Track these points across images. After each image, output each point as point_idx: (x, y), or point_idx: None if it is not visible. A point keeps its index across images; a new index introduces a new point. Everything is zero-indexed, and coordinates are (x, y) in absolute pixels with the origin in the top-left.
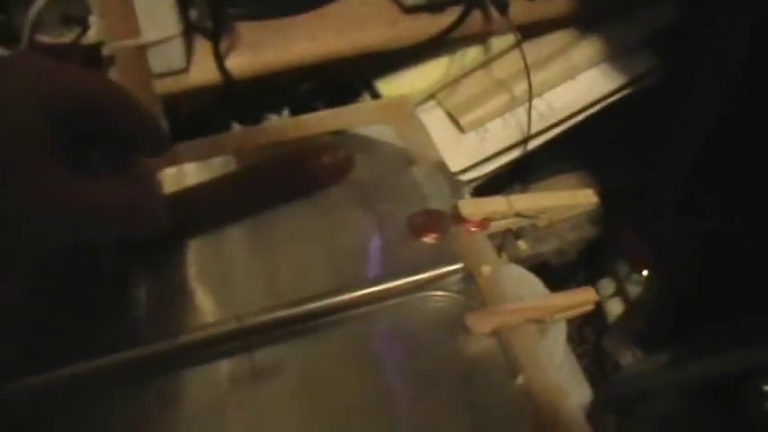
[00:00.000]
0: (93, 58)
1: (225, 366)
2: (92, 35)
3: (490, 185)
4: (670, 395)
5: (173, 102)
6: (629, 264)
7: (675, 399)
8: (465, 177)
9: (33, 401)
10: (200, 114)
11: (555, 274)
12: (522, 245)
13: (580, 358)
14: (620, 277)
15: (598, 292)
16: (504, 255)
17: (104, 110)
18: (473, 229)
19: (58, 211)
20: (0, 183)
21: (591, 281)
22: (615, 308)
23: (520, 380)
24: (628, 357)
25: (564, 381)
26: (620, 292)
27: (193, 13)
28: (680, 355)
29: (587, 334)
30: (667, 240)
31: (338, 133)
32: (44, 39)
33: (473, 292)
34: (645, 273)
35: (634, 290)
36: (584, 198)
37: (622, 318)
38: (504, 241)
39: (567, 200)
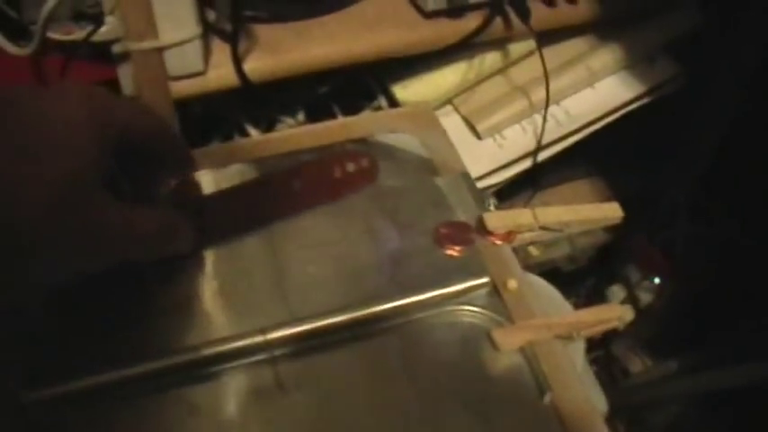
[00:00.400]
0: (103, 55)
1: (248, 379)
2: (103, 32)
3: (504, 191)
4: (680, 403)
5: (184, 103)
6: (640, 270)
7: (685, 407)
8: (481, 184)
9: (55, 410)
10: (213, 116)
11: (565, 281)
12: (534, 251)
13: (590, 365)
14: (631, 284)
15: (608, 299)
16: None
17: (145, 138)
18: (498, 242)
19: (107, 239)
20: (65, 212)
21: (601, 287)
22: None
23: (548, 398)
24: (637, 364)
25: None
26: (630, 298)
27: (212, 15)
28: (691, 363)
29: (597, 340)
30: (680, 247)
31: (360, 141)
32: (54, 35)
33: (499, 306)
34: (657, 280)
35: (645, 296)
36: (611, 212)
37: (632, 324)
38: (516, 247)
39: (593, 213)
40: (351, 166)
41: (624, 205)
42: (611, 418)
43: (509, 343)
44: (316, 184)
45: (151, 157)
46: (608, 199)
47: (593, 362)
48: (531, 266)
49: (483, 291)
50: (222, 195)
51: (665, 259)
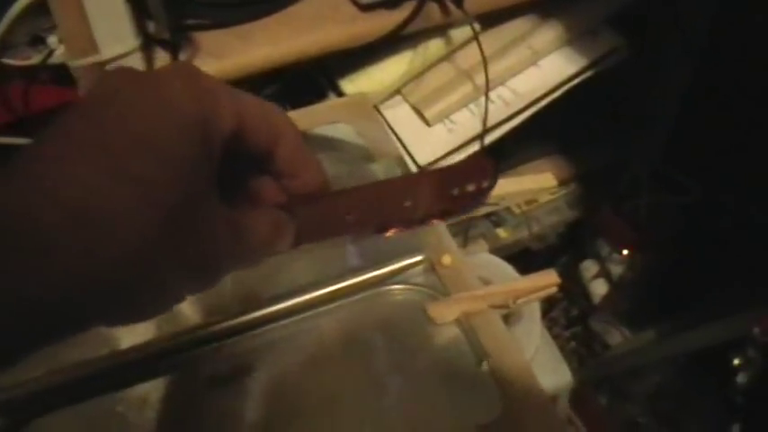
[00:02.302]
0: (62, 77)
1: (198, 369)
2: (59, 55)
3: None
4: (659, 371)
5: None
6: (609, 244)
7: (665, 374)
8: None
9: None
10: None
11: (537, 260)
12: (502, 232)
13: (568, 340)
14: (602, 258)
15: (581, 274)
16: (484, 243)
17: (261, 141)
18: (434, 221)
19: (222, 254)
20: (176, 237)
21: (574, 263)
22: (600, 288)
23: (485, 366)
24: (615, 336)
25: (542, 363)
26: (603, 272)
27: (151, 26)
28: (666, 330)
29: (574, 316)
30: (645, 217)
31: None
32: (12, 62)
33: (435, 282)
34: (625, 252)
35: (616, 269)
36: (545, 181)
37: (607, 298)
38: (484, 230)
39: (527, 184)
40: (470, 187)
41: (587, 180)
42: (593, 392)
43: (444, 316)
44: (429, 202)
45: (259, 158)
46: (570, 175)
47: (572, 338)
48: (500, 248)
49: (419, 268)
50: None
51: (632, 231)
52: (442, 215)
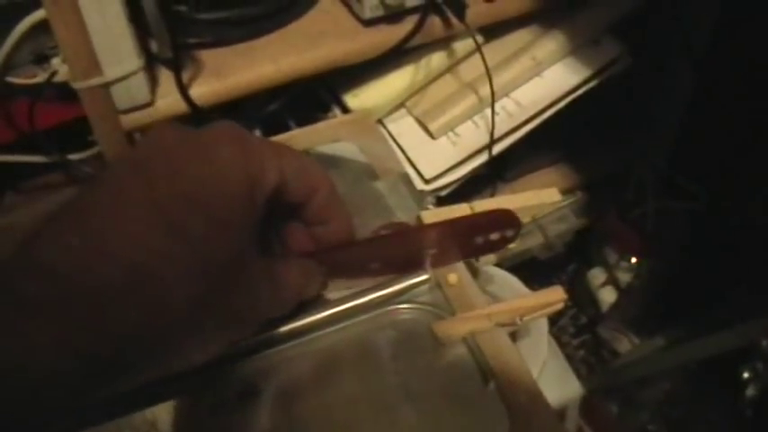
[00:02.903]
0: (67, 95)
1: (206, 392)
2: (64, 73)
3: (471, 188)
4: (669, 379)
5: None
6: (616, 251)
7: (675, 382)
8: (441, 182)
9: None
10: None
11: (545, 268)
12: None
13: (577, 349)
14: (609, 265)
15: (589, 282)
16: (492, 255)
17: (300, 198)
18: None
19: (261, 306)
20: (219, 292)
21: (581, 271)
22: (608, 296)
23: (492, 386)
24: (624, 344)
25: (551, 376)
26: (611, 280)
27: (154, 45)
28: (675, 338)
29: (583, 324)
30: (652, 224)
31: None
32: (17, 80)
33: (441, 301)
34: (633, 259)
35: (624, 277)
36: (548, 197)
37: (615, 305)
38: None
39: (531, 200)
40: (494, 236)
41: (593, 188)
42: (604, 400)
43: (450, 335)
44: (454, 250)
45: (296, 212)
46: (576, 184)
47: (580, 346)
48: (507, 258)
49: (425, 287)
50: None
51: (639, 238)
52: (461, 259)
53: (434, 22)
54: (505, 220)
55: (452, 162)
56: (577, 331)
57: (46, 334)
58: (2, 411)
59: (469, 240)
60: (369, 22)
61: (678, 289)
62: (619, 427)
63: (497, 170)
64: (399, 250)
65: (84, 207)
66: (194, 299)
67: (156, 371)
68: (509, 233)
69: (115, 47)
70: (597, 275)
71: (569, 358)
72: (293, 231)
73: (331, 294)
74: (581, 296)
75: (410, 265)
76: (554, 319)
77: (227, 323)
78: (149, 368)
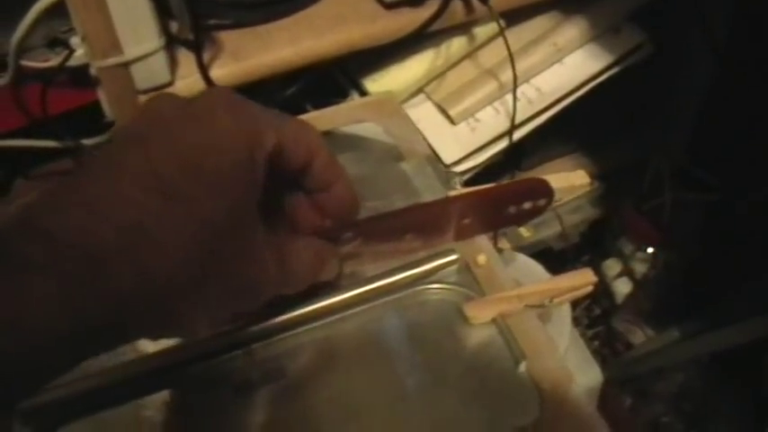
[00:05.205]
0: (80, 80)
1: (225, 374)
2: (78, 56)
3: (488, 174)
4: (684, 372)
5: None
6: (633, 242)
7: (689, 374)
8: (460, 168)
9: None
10: None
11: (559, 259)
12: (525, 232)
13: (591, 340)
14: (625, 256)
15: (604, 273)
16: (506, 243)
17: (299, 165)
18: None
19: (264, 278)
20: (220, 256)
21: (596, 262)
22: (623, 287)
23: (522, 367)
24: (639, 336)
25: (572, 364)
26: (626, 271)
27: (174, 26)
28: (691, 330)
29: (597, 315)
30: (669, 215)
31: (326, 134)
32: (30, 64)
33: (470, 281)
34: (650, 250)
35: (640, 268)
36: (577, 179)
37: (630, 297)
38: (506, 230)
39: (560, 183)
40: (527, 205)
41: (609, 178)
42: (617, 392)
43: (480, 316)
44: (488, 219)
45: (297, 180)
46: (592, 173)
47: (594, 337)
48: (522, 248)
49: (453, 267)
50: (373, 220)
51: (655, 229)
52: (498, 230)
53: (457, 5)
54: (539, 188)
55: (472, 148)
56: (591, 323)
57: (44, 291)
58: None
59: (503, 210)
60: (390, 5)
61: (694, 280)
62: (633, 418)
63: (514, 159)
64: (433, 219)
65: (82, 175)
66: (192, 262)
67: (153, 335)
68: (542, 202)
69: (136, 26)
70: (612, 266)
71: None
72: (299, 206)
73: (364, 272)
74: (596, 287)
75: (444, 236)
76: None
77: (229, 293)
78: (150, 334)
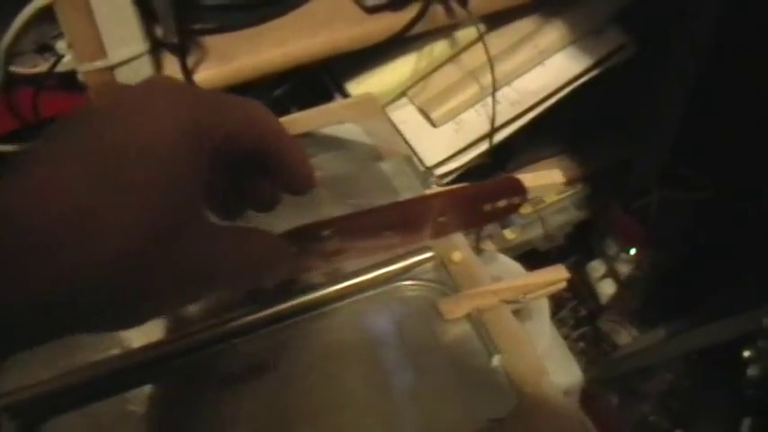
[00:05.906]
0: (70, 84)
1: (210, 368)
2: (67, 62)
3: (473, 176)
4: (671, 370)
5: None
6: (617, 243)
7: (676, 372)
8: (443, 170)
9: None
10: None
11: (545, 260)
12: (509, 234)
13: (577, 341)
14: (609, 257)
15: (590, 274)
16: (492, 244)
17: (255, 149)
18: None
19: (212, 270)
20: (164, 246)
21: (581, 263)
22: (607, 288)
23: (495, 361)
24: (624, 336)
25: (553, 362)
26: (610, 272)
27: (159, 30)
28: (675, 329)
29: (583, 316)
30: (655, 215)
31: (307, 134)
32: (19, 69)
33: (446, 278)
34: (633, 251)
35: (624, 269)
36: (552, 177)
37: (615, 297)
38: (491, 231)
39: (535, 181)
40: (503, 203)
41: (595, 179)
42: (604, 391)
43: (455, 311)
44: (463, 217)
45: (256, 169)
46: (577, 175)
47: (581, 338)
48: (507, 249)
49: (429, 265)
50: (352, 217)
51: (641, 229)
52: (474, 228)
53: (437, 9)
54: (513, 187)
55: (453, 150)
56: (577, 323)
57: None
58: None
59: (479, 208)
60: (372, 9)
61: (679, 280)
62: (619, 417)
63: (499, 161)
64: (411, 216)
65: (30, 158)
66: (136, 248)
67: (101, 325)
68: (516, 200)
69: (121, 30)
70: (597, 268)
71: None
72: (261, 189)
73: (344, 268)
74: (581, 288)
75: (422, 234)
76: (554, 312)
77: (176, 281)
78: (92, 320)
